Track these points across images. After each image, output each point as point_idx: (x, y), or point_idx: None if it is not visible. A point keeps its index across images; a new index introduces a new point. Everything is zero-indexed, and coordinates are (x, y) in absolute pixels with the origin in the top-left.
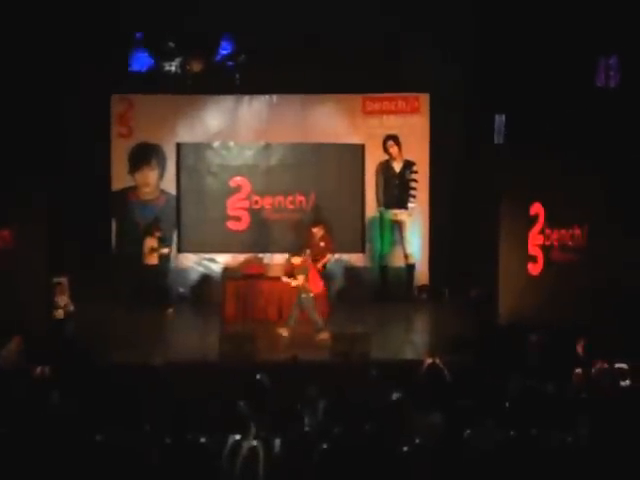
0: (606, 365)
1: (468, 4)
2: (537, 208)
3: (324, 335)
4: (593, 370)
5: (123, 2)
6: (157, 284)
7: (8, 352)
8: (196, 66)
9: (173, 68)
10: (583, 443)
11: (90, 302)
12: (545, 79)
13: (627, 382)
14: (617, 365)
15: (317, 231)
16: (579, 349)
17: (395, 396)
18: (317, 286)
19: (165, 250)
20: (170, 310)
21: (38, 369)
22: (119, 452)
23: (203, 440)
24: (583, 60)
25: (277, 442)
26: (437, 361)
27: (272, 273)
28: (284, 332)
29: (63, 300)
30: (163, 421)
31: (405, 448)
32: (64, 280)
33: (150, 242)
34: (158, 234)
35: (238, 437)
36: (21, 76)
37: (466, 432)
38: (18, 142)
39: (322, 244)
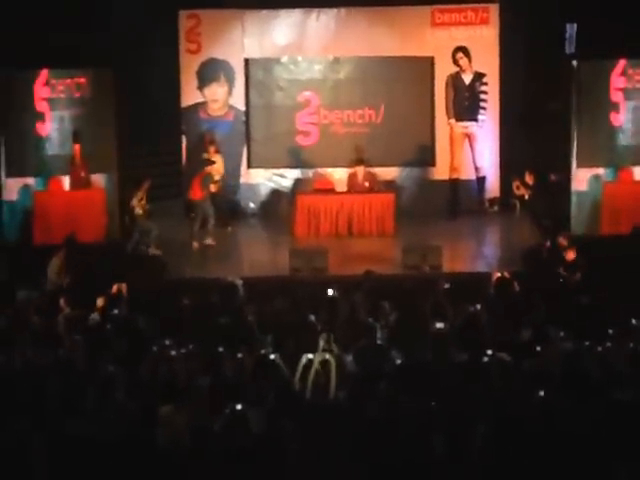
0: None
1: None
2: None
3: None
4: None
5: None
6: (226, 201)
7: (52, 269)
8: None
9: None
10: None
11: (162, 218)
12: None
13: None
14: None
15: (358, 170)
16: None
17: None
18: None
19: (213, 168)
20: (229, 229)
21: (114, 287)
22: (192, 367)
23: (273, 356)
24: None
25: (349, 357)
26: (506, 274)
27: (341, 188)
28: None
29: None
30: (234, 337)
31: (485, 359)
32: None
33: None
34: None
35: (310, 353)
36: None
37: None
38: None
39: (366, 184)
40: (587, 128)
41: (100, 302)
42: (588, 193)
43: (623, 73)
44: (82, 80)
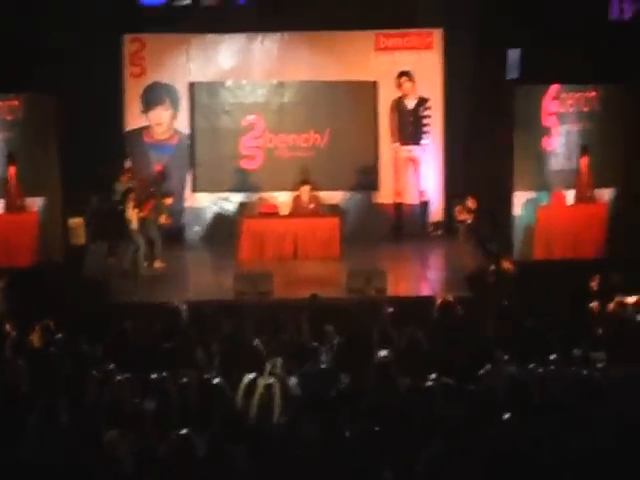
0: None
1: None
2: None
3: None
4: (611, 304)
5: None
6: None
7: None
8: (208, 4)
9: (184, 6)
10: (599, 377)
11: (109, 241)
12: (558, 11)
13: None
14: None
15: (303, 191)
16: (594, 284)
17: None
18: None
19: (167, 201)
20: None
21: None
22: (136, 392)
23: (218, 380)
24: None
25: (293, 380)
26: (450, 298)
27: (286, 211)
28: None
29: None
30: (180, 361)
31: (428, 383)
32: (80, 220)
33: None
34: (133, 198)
35: (253, 375)
36: (32, 14)
37: (482, 369)
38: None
39: (311, 206)
40: (522, 152)
41: (37, 329)
42: (523, 217)
43: (556, 97)
44: (15, 103)
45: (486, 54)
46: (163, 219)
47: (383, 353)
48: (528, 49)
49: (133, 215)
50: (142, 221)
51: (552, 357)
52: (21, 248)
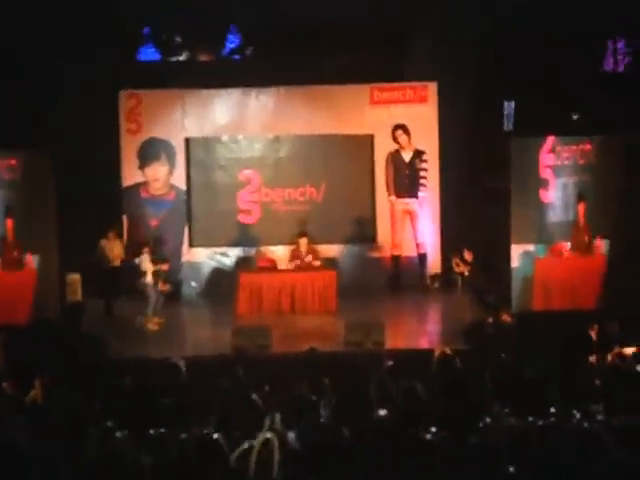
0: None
1: None
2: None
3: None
4: (609, 355)
5: None
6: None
7: None
8: (203, 60)
9: (180, 63)
10: (599, 430)
11: (105, 298)
12: (553, 64)
13: None
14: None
15: (301, 243)
16: (593, 335)
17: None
18: None
19: (164, 267)
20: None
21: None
22: (132, 449)
23: (217, 436)
24: (592, 45)
25: (291, 435)
26: (447, 350)
27: (283, 266)
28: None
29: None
30: (178, 416)
31: (427, 436)
32: (77, 277)
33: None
34: (148, 251)
35: (252, 439)
36: (28, 74)
37: (481, 422)
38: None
39: (309, 257)
40: (519, 205)
41: (37, 385)
42: (520, 269)
43: (552, 150)
44: (13, 162)
45: (481, 106)
46: (161, 285)
47: (382, 412)
48: (523, 101)
49: (149, 269)
50: (156, 275)
51: (552, 410)
52: (18, 305)
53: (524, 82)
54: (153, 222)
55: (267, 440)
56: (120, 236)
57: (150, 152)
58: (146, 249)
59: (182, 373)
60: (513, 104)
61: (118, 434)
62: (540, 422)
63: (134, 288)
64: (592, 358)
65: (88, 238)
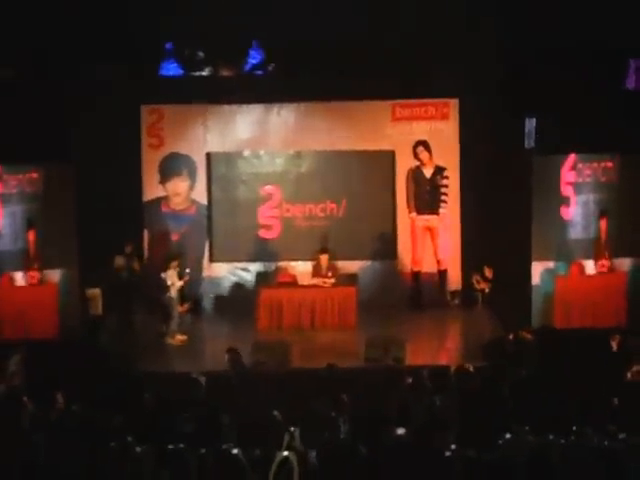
0: None
1: (494, 6)
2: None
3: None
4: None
5: (152, 13)
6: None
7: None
8: (225, 75)
9: (202, 78)
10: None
11: (124, 313)
12: (575, 82)
13: None
14: None
15: (322, 259)
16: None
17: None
18: None
19: (180, 283)
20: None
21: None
22: (153, 463)
23: (236, 451)
24: (613, 62)
25: (312, 453)
26: (468, 367)
27: (304, 281)
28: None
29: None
30: (198, 431)
31: (447, 453)
32: (97, 291)
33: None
34: (176, 265)
35: (272, 448)
36: (52, 89)
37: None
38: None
39: (330, 274)
40: (540, 222)
41: (58, 400)
42: (540, 287)
43: (573, 167)
44: (34, 175)
45: (503, 124)
46: (180, 307)
47: (400, 432)
48: (544, 118)
49: (175, 283)
50: (181, 290)
51: (573, 428)
52: (41, 320)
53: (546, 99)
54: (174, 237)
55: (286, 459)
56: (138, 251)
57: (171, 167)
58: (174, 263)
59: (202, 388)
60: (534, 121)
61: (138, 449)
62: (561, 440)
63: (157, 303)
64: (611, 375)
65: (108, 253)
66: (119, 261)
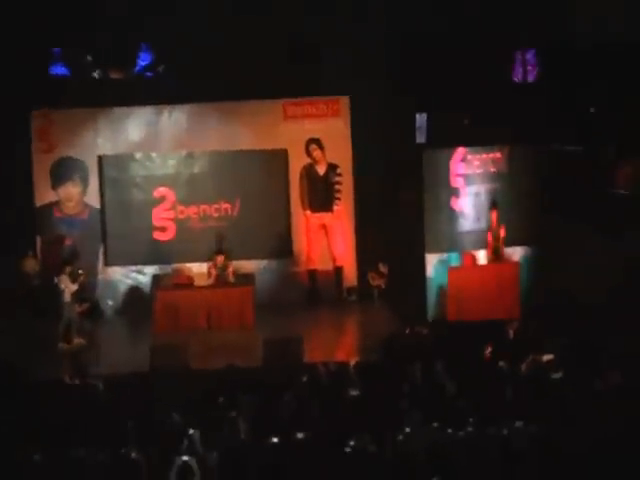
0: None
1: (382, 4)
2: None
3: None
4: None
5: (40, 17)
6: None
7: None
8: (115, 78)
9: (92, 81)
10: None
11: (17, 318)
12: (463, 75)
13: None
14: (545, 357)
15: (219, 259)
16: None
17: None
18: None
19: (74, 287)
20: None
21: None
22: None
23: (134, 455)
24: (500, 56)
25: (213, 455)
26: (366, 362)
27: (200, 282)
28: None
29: None
30: (97, 437)
31: (347, 449)
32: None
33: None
34: (69, 270)
35: (172, 451)
36: None
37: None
38: None
39: (227, 273)
40: (432, 214)
41: None
42: (435, 278)
43: (463, 160)
44: None
45: (393, 119)
46: (78, 307)
47: (300, 435)
48: (434, 113)
49: (69, 287)
50: (75, 294)
51: (470, 419)
52: None
53: (435, 94)
54: (68, 241)
55: (185, 463)
56: (33, 256)
57: (63, 171)
58: (68, 268)
59: (100, 392)
60: (425, 116)
61: (37, 457)
62: (460, 433)
63: (53, 308)
64: (506, 365)
65: (2, 258)
66: (22, 264)
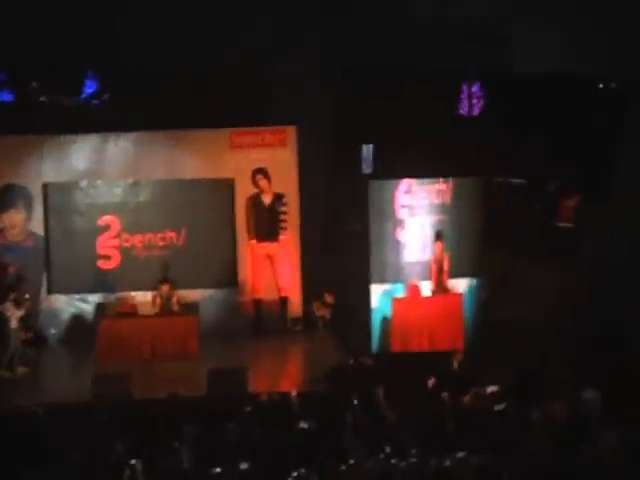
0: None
1: (332, 36)
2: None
3: None
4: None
5: None
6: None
7: None
8: (61, 105)
9: (37, 108)
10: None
11: None
12: (410, 108)
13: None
14: (489, 389)
15: (163, 289)
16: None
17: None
18: None
19: (20, 312)
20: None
21: None
22: None
23: None
24: (447, 89)
25: None
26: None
27: (144, 311)
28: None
29: None
30: (37, 466)
31: None
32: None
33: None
34: (13, 298)
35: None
36: None
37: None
38: None
39: (171, 303)
40: (377, 245)
41: None
42: (379, 310)
43: (408, 191)
44: None
45: (340, 150)
46: (22, 334)
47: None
48: (381, 145)
49: (13, 314)
50: (21, 321)
51: (412, 451)
52: None
53: (381, 126)
54: (11, 269)
55: None
56: None
57: (7, 199)
58: (12, 295)
59: (42, 421)
60: (371, 148)
61: None
62: (402, 463)
63: None
64: (448, 396)
65: None
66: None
